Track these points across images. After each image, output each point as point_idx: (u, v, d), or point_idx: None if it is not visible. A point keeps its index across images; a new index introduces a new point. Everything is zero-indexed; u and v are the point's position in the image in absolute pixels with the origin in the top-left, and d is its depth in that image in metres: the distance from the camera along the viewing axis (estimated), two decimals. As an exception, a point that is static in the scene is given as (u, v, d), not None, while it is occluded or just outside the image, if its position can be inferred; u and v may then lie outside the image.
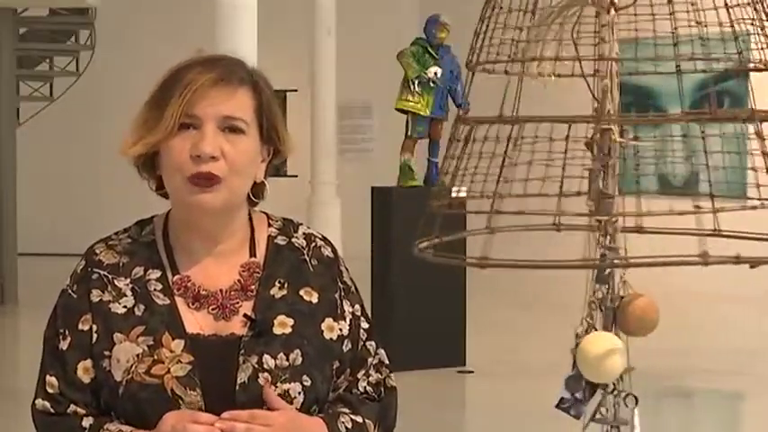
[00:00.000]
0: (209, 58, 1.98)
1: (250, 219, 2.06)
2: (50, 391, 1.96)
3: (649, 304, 2.26)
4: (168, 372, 1.89)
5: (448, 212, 2.22)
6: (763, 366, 8.48)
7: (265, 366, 1.91)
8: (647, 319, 2.24)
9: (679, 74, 2.06)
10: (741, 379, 8.19)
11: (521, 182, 2.14)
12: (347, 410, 2.01)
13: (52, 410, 1.96)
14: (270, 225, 2.08)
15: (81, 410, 1.95)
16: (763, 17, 2.11)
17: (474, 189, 2.18)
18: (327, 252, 2.09)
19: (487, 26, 2.14)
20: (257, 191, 2.03)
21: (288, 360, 1.93)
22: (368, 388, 2.06)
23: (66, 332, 1.96)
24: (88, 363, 1.94)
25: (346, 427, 1.98)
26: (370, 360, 2.08)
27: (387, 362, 2.11)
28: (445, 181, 2.26)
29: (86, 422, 1.94)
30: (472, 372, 8.16)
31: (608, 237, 2.10)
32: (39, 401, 1.97)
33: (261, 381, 1.90)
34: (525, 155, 2.15)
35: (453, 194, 2.23)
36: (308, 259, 2.05)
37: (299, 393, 1.92)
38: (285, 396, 1.90)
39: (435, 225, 2.14)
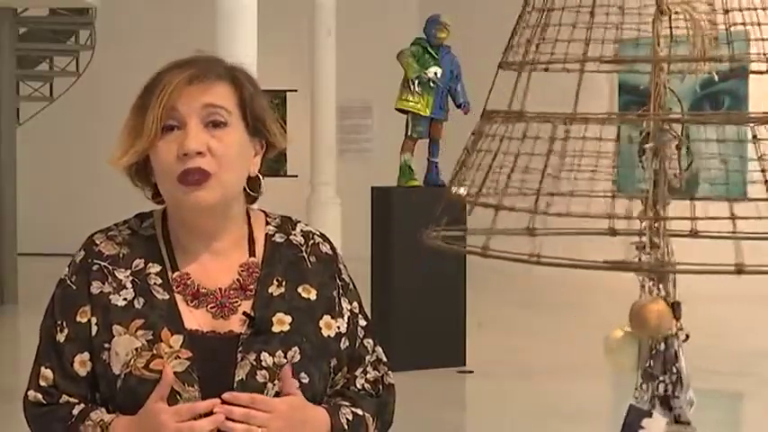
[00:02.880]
0: (187, 59, 1.99)
1: (248, 216, 2.05)
2: (43, 384, 1.96)
3: (662, 310, 2.25)
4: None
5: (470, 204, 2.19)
6: (766, 366, 8.49)
7: (263, 364, 1.91)
8: (660, 324, 2.24)
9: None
10: (743, 379, 8.19)
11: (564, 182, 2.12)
12: (347, 403, 2.02)
13: (44, 402, 1.96)
14: (268, 223, 2.08)
15: (73, 400, 1.95)
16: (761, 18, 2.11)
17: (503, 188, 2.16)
18: (326, 249, 2.09)
19: (531, 23, 2.12)
20: (253, 186, 2.02)
21: (286, 357, 1.93)
22: (366, 385, 2.07)
23: (64, 324, 1.96)
24: (85, 356, 1.94)
25: (347, 419, 1.98)
26: (367, 358, 2.08)
27: (384, 359, 2.12)
28: (465, 176, 2.24)
29: (76, 410, 1.94)
30: (472, 372, 8.16)
31: (659, 240, 2.08)
32: (31, 393, 1.97)
33: (259, 378, 1.90)
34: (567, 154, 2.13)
35: (452, 194, 2.22)
36: (305, 256, 2.06)
37: (297, 390, 1.91)
38: (282, 394, 1.90)
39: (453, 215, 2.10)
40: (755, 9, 2.02)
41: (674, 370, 2.22)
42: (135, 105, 1.95)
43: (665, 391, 2.24)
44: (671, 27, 2.14)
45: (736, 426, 7.76)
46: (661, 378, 2.25)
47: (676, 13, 2.02)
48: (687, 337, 2.18)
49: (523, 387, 7.78)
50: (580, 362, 7.63)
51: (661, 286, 2.18)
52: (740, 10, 2.06)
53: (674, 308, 2.22)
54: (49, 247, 14.29)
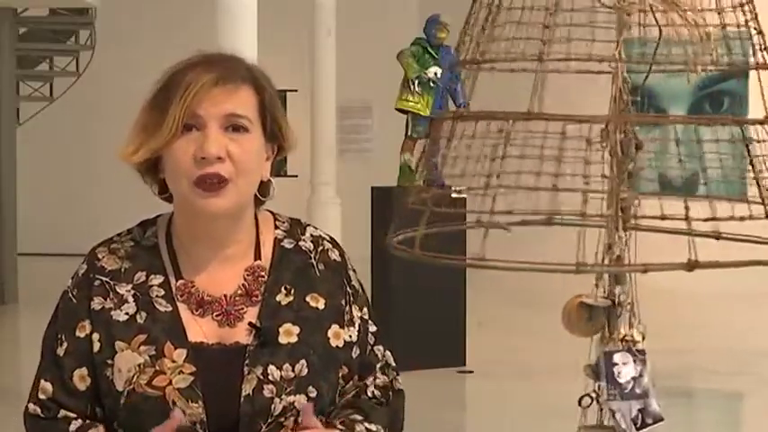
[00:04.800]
0: (208, 57, 1.93)
1: (256, 219, 2.01)
2: (42, 396, 1.94)
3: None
4: (170, 383, 1.85)
5: (417, 208, 2.22)
6: (765, 366, 8.48)
7: (270, 378, 1.87)
8: (566, 323, 2.27)
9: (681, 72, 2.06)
10: (742, 379, 8.19)
11: (513, 179, 2.13)
12: (360, 417, 1.98)
13: (42, 415, 1.93)
14: (276, 227, 2.03)
15: (71, 415, 1.92)
16: (751, 17, 2.11)
17: (462, 185, 2.18)
18: (335, 256, 2.04)
19: (474, 22, 2.14)
20: (263, 189, 1.97)
21: (293, 371, 1.89)
22: (376, 392, 2.03)
23: (64, 337, 1.93)
24: (84, 371, 1.91)
25: None
26: (378, 365, 2.05)
27: (393, 364, 2.08)
28: (420, 176, 2.25)
29: (73, 426, 1.91)
30: (472, 372, 8.16)
31: (622, 237, 2.08)
32: (31, 406, 1.95)
33: (266, 392, 1.86)
34: (518, 150, 2.15)
35: (454, 195, 2.23)
36: (314, 263, 2.01)
37: (317, 422, 1.88)
38: (290, 408, 1.87)
39: (421, 220, 2.13)
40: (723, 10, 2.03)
41: (605, 375, 2.22)
42: (151, 102, 1.89)
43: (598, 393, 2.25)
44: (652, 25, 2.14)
45: (736, 425, 7.76)
46: (593, 380, 2.26)
47: (658, 10, 2.02)
48: (634, 344, 2.17)
49: (523, 387, 7.77)
50: (580, 362, 7.61)
51: (605, 286, 2.17)
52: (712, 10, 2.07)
53: (591, 310, 2.22)
54: (49, 247, 14.30)
